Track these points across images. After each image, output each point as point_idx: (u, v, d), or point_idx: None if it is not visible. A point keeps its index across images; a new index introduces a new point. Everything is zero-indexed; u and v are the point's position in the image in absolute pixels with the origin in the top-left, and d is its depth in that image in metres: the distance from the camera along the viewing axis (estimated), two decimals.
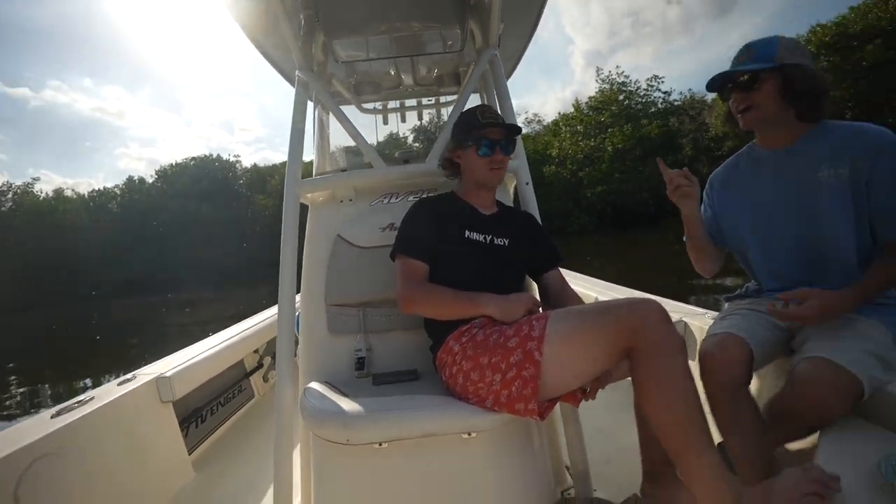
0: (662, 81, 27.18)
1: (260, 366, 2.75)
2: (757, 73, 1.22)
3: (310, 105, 1.79)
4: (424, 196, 1.64)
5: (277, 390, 1.48)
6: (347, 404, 1.15)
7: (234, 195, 35.40)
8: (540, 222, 1.56)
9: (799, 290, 1.14)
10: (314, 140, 2.16)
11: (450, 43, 2.06)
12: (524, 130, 1.63)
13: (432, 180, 1.67)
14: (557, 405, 1.28)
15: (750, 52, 1.26)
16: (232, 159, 37.43)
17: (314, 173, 2.04)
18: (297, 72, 1.73)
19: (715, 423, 1.17)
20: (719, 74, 1.29)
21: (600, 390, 1.21)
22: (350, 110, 2.73)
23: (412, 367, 1.46)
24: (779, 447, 1.19)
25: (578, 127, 27.58)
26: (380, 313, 1.58)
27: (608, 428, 1.87)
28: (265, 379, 2.81)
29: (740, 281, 1.55)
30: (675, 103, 26.99)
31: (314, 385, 1.32)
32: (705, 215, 1.47)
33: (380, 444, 1.09)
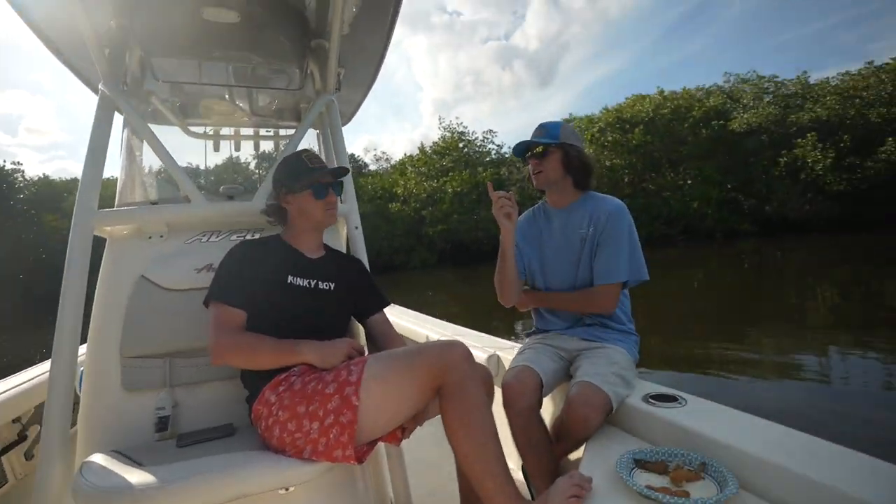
0: (496, 135, 30.96)
1: (21, 439, 2.08)
2: (547, 146, 1.57)
3: (120, 121, 1.56)
4: (248, 237, 1.56)
5: (41, 469, 1.19)
6: (139, 476, 0.98)
7: (8, 212, 27.11)
8: (368, 267, 1.59)
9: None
10: (122, 163, 1.85)
11: (289, 81, 2.02)
12: (373, 167, 1.68)
13: (258, 220, 1.56)
14: (380, 444, 1.31)
15: (543, 129, 1.61)
16: (9, 167, 28.54)
17: (116, 202, 1.75)
18: (100, 84, 1.50)
19: (515, 446, 1.35)
20: (522, 143, 1.62)
21: (426, 423, 1.29)
22: (175, 132, 2.38)
23: (228, 421, 1.33)
24: (563, 459, 1.41)
25: (423, 168, 29.24)
26: (190, 364, 1.40)
27: (432, 460, 1.95)
28: (28, 456, 2.15)
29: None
30: (506, 155, 30.61)
31: (95, 458, 1.09)
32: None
33: None
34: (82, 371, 1.41)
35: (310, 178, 1.37)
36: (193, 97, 2.21)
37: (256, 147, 2.77)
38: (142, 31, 1.56)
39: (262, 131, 2.67)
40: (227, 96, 2.24)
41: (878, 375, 4.50)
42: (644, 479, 1.02)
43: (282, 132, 2.70)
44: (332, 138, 1.85)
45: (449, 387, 1.09)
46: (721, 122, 26.07)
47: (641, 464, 1.08)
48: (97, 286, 1.42)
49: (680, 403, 1.26)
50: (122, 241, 1.49)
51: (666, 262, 16.83)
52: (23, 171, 28.50)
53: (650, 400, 1.29)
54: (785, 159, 23.48)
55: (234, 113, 2.39)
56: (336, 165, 1.72)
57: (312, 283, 1.35)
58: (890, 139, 21.48)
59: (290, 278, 1.32)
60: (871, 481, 0.84)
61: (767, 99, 26.54)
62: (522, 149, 1.63)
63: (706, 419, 1.16)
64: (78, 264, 1.33)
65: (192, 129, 2.42)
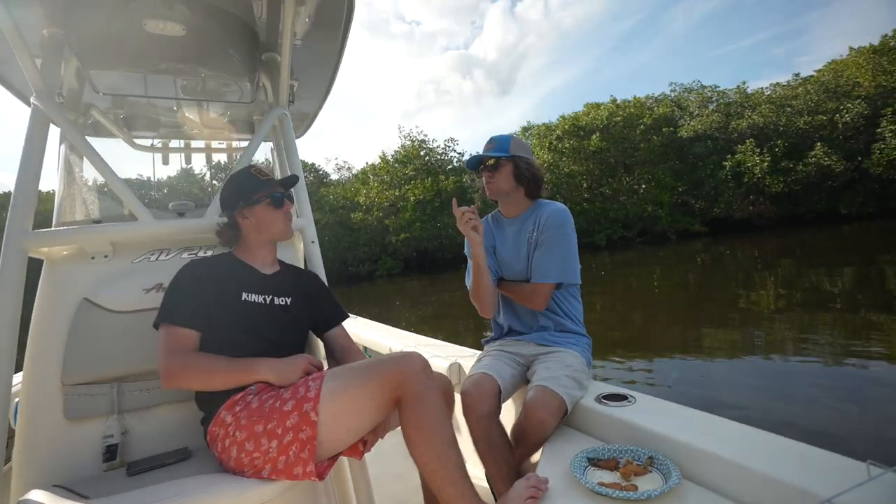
0: (458, 143, 31.23)
1: None
2: (498, 159, 1.63)
3: (56, 134, 1.47)
4: (200, 254, 1.51)
5: None
6: None
7: None
8: (325, 280, 1.58)
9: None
10: (59, 179, 1.75)
11: (241, 94, 1.97)
12: (334, 177, 1.67)
13: (210, 237, 1.51)
14: (344, 459, 1.29)
15: (493, 143, 1.67)
16: None
17: (55, 220, 1.66)
18: (32, 98, 1.41)
19: (476, 451, 1.37)
20: (474, 157, 1.67)
21: (389, 435, 1.29)
22: (120, 146, 2.26)
23: (182, 445, 1.28)
24: (523, 462, 1.44)
25: (385, 177, 29.09)
26: (140, 388, 1.34)
27: (398, 472, 1.95)
28: None
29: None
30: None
31: (34, 495, 1.02)
32: None
33: None
34: (17, 402, 1.32)
35: (268, 189, 1.37)
36: (139, 109, 2.11)
37: (209, 160, 2.68)
38: (78, 41, 1.48)
39: (215, 143, 2.57)
40: (175, 108, 2.16)
41: (817, 356, 4.87)
42: (597, 476, 1.07)
43: (235, 144, 2.61)
44: (285, 151, 1.83)
45: (407, 398, 1.10)
46: (671, 128, 27.53)
47: (594, 462, 1.13)
48: (34, 311, 1.34)
49: (630, 402, 1.32)
50: (61, 263, 1.40)
51: (625, 263, 17.54)
52: None
53: (602, 400, 1.35)
54: (729, 163, 25.04)
55: (184, 125, 2.30)
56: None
57: (268, 299, 1.33)
58: (818, 144, 23.44)
59: (244, 295, 1.30)
60: (802, 466, 0.90)
61: (711, 107, 28.31)
62: (475, 162, 1.68)
63: (654, 415, 1.22)
64: (9, 288, 1.24)
65: (139, 141, 2.31)
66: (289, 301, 1.37)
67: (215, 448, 1.13)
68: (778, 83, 27.98)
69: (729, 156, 25.24)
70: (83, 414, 1.28)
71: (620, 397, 1.35)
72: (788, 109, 25.22)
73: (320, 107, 2.36)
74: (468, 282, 1.64)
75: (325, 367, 1.41)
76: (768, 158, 23.87)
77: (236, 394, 1.15)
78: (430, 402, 1.10)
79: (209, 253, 1.53)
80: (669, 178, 26.70)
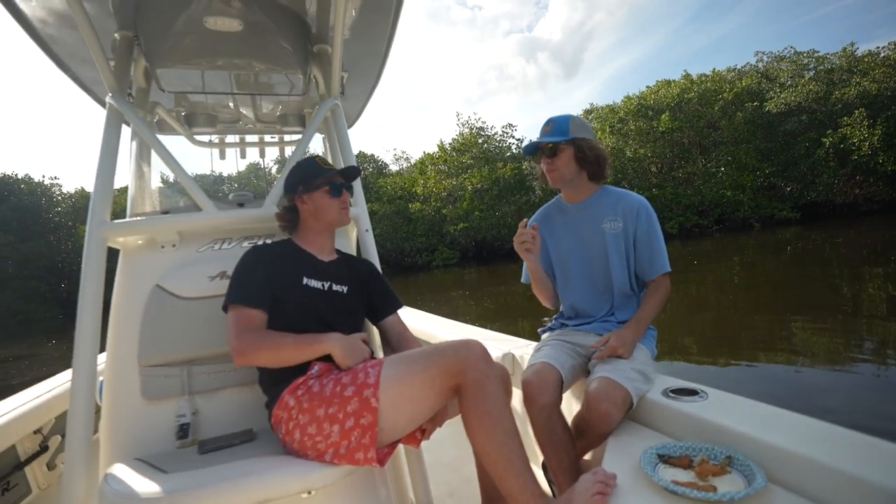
0: (516, 129, 30.71)
1: (42, 450, 2.16)
2: (557, 143, 1.56)
3: (128, 132, 1.61)
4: (260, 242, 1.59)
5: (66, 477, 1.23)
6: (164, 482, 1.02)
7: (47, 225, 28.54)
8: (380, 269, 1.62)
9: (602, 338, 1.48)
10: (131, 173, 1.92)
11: (292, 86, 2.05)
12: (393, 167, 1.71)
13: (269, 226, 1.60)
14: (400, 446, 1.32)
15: (551, 125, 1.60)
16: (48, 182, 30.05)
17: (128, 213, 1.81)
18: (107, 97, 1.55)
19: (536, 442, 1.36)
20: (531, 143, 1.62)
21: (445, 424, 1.30)
22: (181, 142, 2.46)
23: (247, 427, 1.37)
24: (584, 455, 1.40)
25: (442, 166, 29.29)
26: (208, 370, 1.44)
27: (452, 461, 1.97)
28: (50, 466, 2.23)
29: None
30: None
31: (119, 466, 1.14)
32: None
33: None
34: (102, 381, 1.47)
35: (327, 176, 1.42)
36: (198, 106, 2.27)
37: (262, 154, 2.83)
38: (146, 42, 1.61)
39: (267, 137, 2.74)
40: (230, 104, 2.30)
41: None
42: (669, 474, 1.01)
43: (286, 138, 2.76)
44: (338, 142, 1.88)
45: (467, 386, 1.10)
46: (756, 103, 25.10)
47: (665, 459, 1.07)
48: (113, 296, 1.47)
49: (701, 397, 1.24)
50: (135, 252, 1.53)
51: (700, 253, 16.32)
52: (60, 185, 29.88)
53: (670, 394, 1.28)
54: (829, 140, 22.34)
55: (239, 120, 2.45)
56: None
57: (326, 286, 1.38)
58: None
59: (305, 280, 1.35)
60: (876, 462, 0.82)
61: (809, 75, 25.34)
62: (533, 148, 1.63)
63: (729, 412, 1.14)
64: (93, 275, 1.37)
65: (198, 137, 2.49)
66: (346, 289, 1.42)
67: (279, 431, 1.19)
68: None
69: (830, 131, 22.45)
70: (158, 394, 1.39)
71: (690, 392, 1.28)
72: None
73: (370, 96, 2.42)
74: (524, 279, 1.72)
75: (381, 355, 1.45)
76: (879, 131, 20.95)
77: (299, 378, 1.20)
78: (490, 391, 1.09)
79: (268, 241, 1.60)
80: (753, 160, 24.39)
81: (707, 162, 25.87)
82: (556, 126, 1.59)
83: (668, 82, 27.54)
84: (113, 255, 1.51)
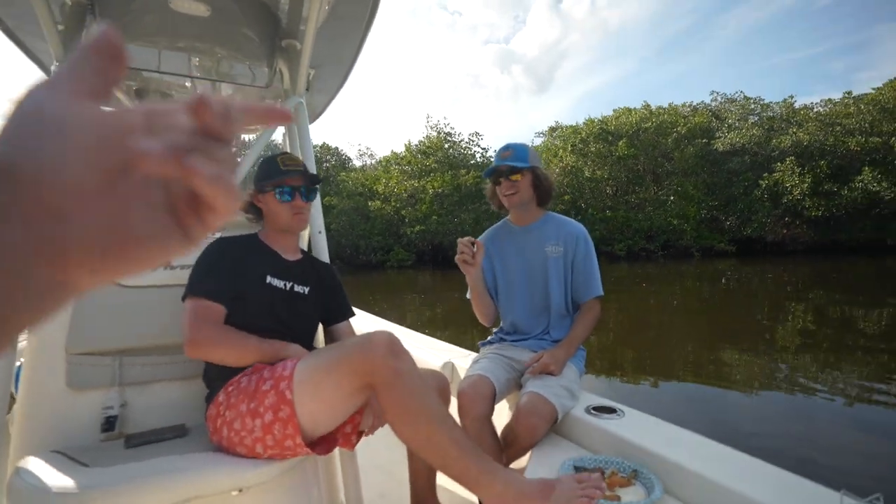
0: (482, 138, 31.08)
1: None
2: (521, 169, 1.68)
3: None
4: (220, 234, 1.55)
5: None
6: (83, 476, 0.96)
7: None
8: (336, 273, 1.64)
9: (536, 355, 1.56)
10: None
11: (256, 79, 2.02)
12: (357, 163, 1.70)
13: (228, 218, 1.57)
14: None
15: (511, 151, 1.71)
16: None
17: None
18: (52, 66, 1.49)
19: None
20: (493, 167, 1.72)
21: (380, 428, 1.31)
22: None
23: (180, 422, 1.33)
24: (510, 464, 1.49)
25: (406, 167, 29.21)
26: (142, 362, 1.39)
27: (385, 464, 2.00)
28: None
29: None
30: (491, 159, 30.79)
31: (34, 458, 1.07)
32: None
33: None
34: (18, 366, 1.38)
35: (278, 179, 1.39)
36: (152, 83, 2.17)
37: None
38: (101, 11, 1.53)
39: None
40: (188, 84, 2.21)
41: (838, 396, 4.76)
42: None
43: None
44: (299, 141, 1.86)
45: (378, 385, 1.07)
46: (705, 140, 26.92)
47: (580, 469, 1.17)
48: None
49: (619, 415, 1.36)
50: None
51: (644, 277, 17.27)
52: None
53: (592, 411, 1.39)
54: (766, 182, 24.38)
55: None
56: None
57: (289, 286, 1.38)
58: (866, 168, 22.53)
59: (268, 278, 1.35)
60: (779, 491, 0.94)
61: (753, 120, 27.50)
62: (493, 171, 1.74)
63: (640, 430, 1.26)
64: None
65: None
66: (307, 290, 1.43)
67: (209, 427, 1.19)
68: (830, 99, 26.79)
69: (766, 174, 24.53)
70: (85, 384, 1.32)
71: (610, 410, 1.40)
72: (839, 128, 24.20)
73: (335, 94, 2.39)
74: (468, 294, 1.78)
75: None
76: (808, 179, 23.13)
77: (236, 375, 1.20)
78: (403, 385, 1.06)
79: (218, 235, 1.56)
80: (699, 192, 26.12)
81: (658, 190, 27.39)
82: (516, 153, 1.70)
83: (629, 110, 28.98)
84: None
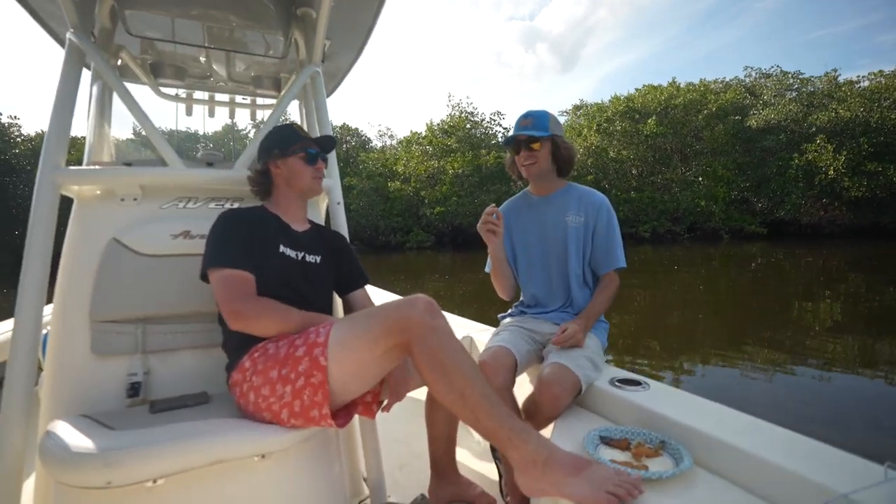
0: (504, 117, 30.53)
1: None
2: (539, 138, 1.63)
3: (87, 78, 1.52)
4: (227, 205, 1.56)
5: (2, 430, 1.19)
6: (110, 438, 0.99)
7: (3, 168, 26.74)
8: (349, 241, 1.62)
9: (560, 327, 1.52)
10: (89, 120, 1.81)
11: (271, 49, 1.98)
12: (377, 143, 1.68)
13: (238, 189, 1.56)
14: (356, 417, 1.34)
15: (530, 119, 1.66)
16: (6, 121, 28.00)
17: (85, 161, 1.71)
18: (67, 33, 1.45)
19: None
20: (512, 136, 1.67)
21: (398, 402, 1.32)
22: (145, 92, 2.30)
23: (202, 389, 1.35)
24: None
25: (428, 147, 29.03)
26: (164, 330, 1.40)
27: (404, 436, 2.02)
28: None
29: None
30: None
31: (63, 421, 1.09)
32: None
33: (154, 482, 0.97)
34: (45, 334, 1.42)
35: (301, 142, 1.40)
36: (166, 55, 2.14)
37: (231, 115, 2.70)
38: None
39: (239, 98, 2.61)
40: (202, 58, 2.17)
41: (873, 377, 4.61)
42: (608, 454, 1.08)
43: (259, 101, 2.64)
44: (316, 111, 1.84)
45: (414, 343, 1.06)
46: (738, 117, 25.80)
47: (606, 441, 1.15)
48: (64, 247, 1.40)
49: (644, 387, 1.33)
50: (92, 202, 1.45)
51: (670, 259, 16.87)
52: (19, 126, 28.01)
53: (616, 383, 1.37)
54: (798, 161, 23.26)
55: (210, 77, 2.33)
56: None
57: (300, 255, 1.38)
58: None
59: (281, 248, 1.35)
60: (818, 463, 0.90)
61: (790, 95, 26.12)
62: (512, 140, 1.69)
63: (666, 402, 1.22)
64: (43, 223, 1.31)
65: (164, 90, 2.35)
66: (318, 259, 1.42)
67: (234, 393, 1.19)
68: (881, 71, 24.84)
69: (796, 154, 23.37)
70: (109, 350, 1.35)
71: (634, 382, 1.37)
72: (886, 103, 22.62)
73: (350, 67, 2.35)
74: (487, 268, 1.76)
75: None
76: (843, 158, 21.92)
77: (260, 342, 1.20)
78: (438, 339, 1.06)
79: (235, 205, 1.57)
80: (730, 172, 25.17)
81: (686, 170, 26.55)
82: (535, 121, 1.65)
83: (656, 87, 27.96)
84: (65, 204, 1.44)
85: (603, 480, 0.92)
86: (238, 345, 1.24)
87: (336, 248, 1.52)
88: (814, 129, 23.72)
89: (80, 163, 1.66)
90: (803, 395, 4.29)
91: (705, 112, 25.87)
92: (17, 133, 27.41)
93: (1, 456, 1.18)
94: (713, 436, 1.03)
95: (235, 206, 1.57)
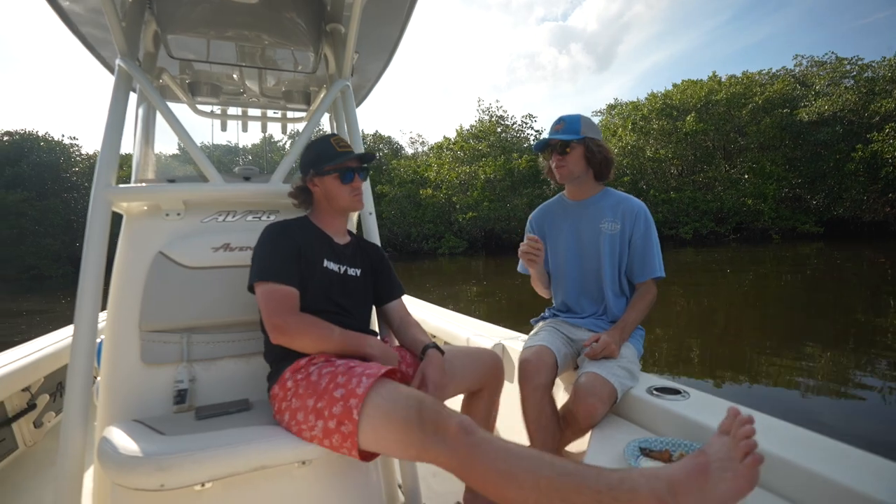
0: (536, 120, 30.29)
1: (30, 408, 2.20)
2: (569, 142, 1.62)
3: (133, 98, 1.63)
4: (264, 218, 1.62)
5: (63, 433, 1.27)
6: (162, 443, 1.06)
7: (64, 184, 28.93)
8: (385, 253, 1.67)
9: (593, 336, 1.51)
10: (136, 140, 1.92)
11: (301, 64, 2.06)
12: (408, 151, 1.71)
13: (274, 201, 1.63)
14: None
15: (562, 123, 1.66)
16: (67, 141, 30.35)
17: (133, 179, 1.82)
18: (117, 60, 1.56)
19: (524, 420, 1.45)
20: (543, 140, 1.68)
21: None
22: (183, 111, 2.46)
23: (243, 397, 1.41)
24: (567, 445, 1.47)
25: (459, 152, 29.14)
26: (207, 339, 1.47)
27: None
28: (37, 424, 2.27)
29: None
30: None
31: (118, 426, 1.18)
32: None
33: (202, 485, 1.03)
34: (100, 343, 1.50)
35: (337, 161, 1.41)
36: (202, 75, 2.27)
37: (264, 128, 2.84)
38: (158, 5, 1.62)
39: (270, 113, 2.74)
40: (235, 76, 2.29)
41: None
42: (650, 465, 1.05)
43: (290, 114, 2.75)
44: (346, 124, 1.89)
45: (457, 469, 0.94)
46: (787, 109, 24.43)
47: (646, 452, 1.12)
48: (116, 261, 1.49)
49: (683, 396, 1.30)
50: (139, 218, 1.53)
51: (714, 262, 16.11)
52: (79, 146, 30.22)
53: (654, 392, 1.33)
54: (860, 153, 21.75)
55: (243, 93, 2.45)
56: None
57: (343, 269, 1.42)
58: None
59: (325, 262, 1.38)
60: (873, 476, 0.86)
61: (847, 84, 24.37)
62: (543, 144, 1.69)
63: (708, 411, 1.19)
64: (97, 238, 1.39)
65: (200, 107, 2.50)
66: (359, 272, 1.46)
67: (272, 405, 1.23)
68: None
69: (860, 145, 21.77)
70: (157, 359, 1.43)
71: (673, 391, 1.33)
72: None
73: (378, 78, 2.42)
74: (520, 268, 1.80)
75: (378, 336, 1.49)
76: None
77: (302, 359, 1.23)
78: (483, 455, 0.91)
79: (272, 217, 1.63)
80: (779, 168, 23.81)
81: (730, 168, 25.41)
82: (567, 125, 1.65)
83: (695, 82, 26.96)
84: (117, 219, 1.54)
85: (726, 452, 0.82)
86: (279, 356, 1.27)
87: (374, 261, 1.55)
88: (877, 118, 22.08)
89: (128, 180, 1.77)
90: (866, 412, 3.98)
91: (750, 106, 24.68)
92: (76, 153, 29.60)
93: (64, 457, 1.25)
94: (759, 446, 0.98)
95: (272, 218, 1.62)
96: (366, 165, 1.50)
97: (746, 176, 24.49)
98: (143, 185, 1.57)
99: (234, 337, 1.49)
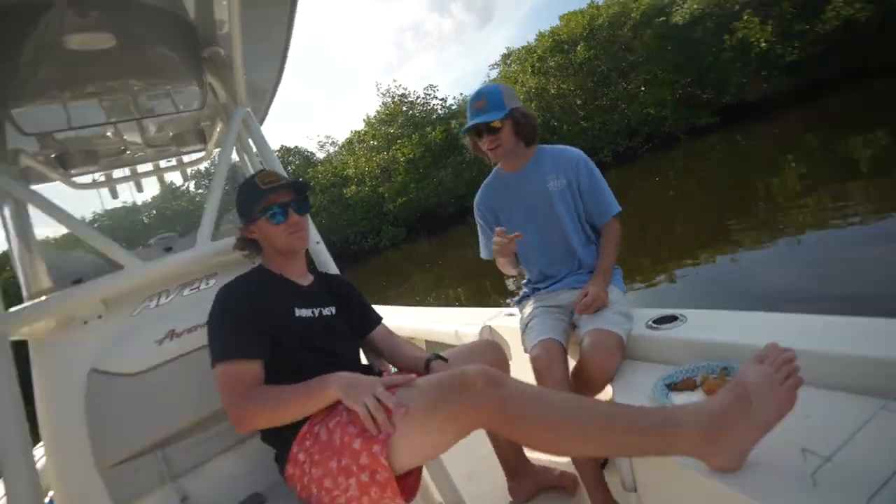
0: (437, 89, 30.09)
1: None
2: (500, 121, 1.58)
3: None
4: (202, 286, 1.44)
5: None
6: None
7: None
8: (337, 271, 1.55)
9: (579, 294, 1.50)
10: (12, 249, 1.56)
11: (183, 103, 1.82)
12: (320, 155, 1.57)
13: (208, 265, 1.44)
14: None
15: (483, 99, 1.60)
16: None
17: (26, 295, 1.48)
18: None
19: None
20: (472, 125, 1.62)
21: None
22: (58, 189, 2.06)
23: (253, 490, 1.23)
24: None
25: (372, 142, 28.49)
26: (187, 446, 1.29)
27: (463, 445, 1.97)
28: None
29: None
30: (453, 108, 30.04)
31: None
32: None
33: None
34: (50, 498, 1.25)
35: (264, 202, 1.26)
36: (71, 143, 1.89)
37: (160, 181, 2.49)
38: None
39: (163, 163, 2.41)
40: (110, 134, 1.97)
41: (857, 224, 4.83)
42: (682, 399, 1.07)
43: (186, 158, 2.44)
44: (260, 152, 1.70)
45: (495, 424, 0.95)
46: (663, 18, 25.98)
47: (672, 386, 1.13)
48: (36, 397, 1.23)
49: (682, 320, 1.33)
50: (50, 338, 1.28)
51: (633, 176, 17.16)
52: None
53: (653, 325, 1.35)
54: (729, 41, 23.62)
55: (126, 151, 2.11)
56: None
57: (316, 312, 1.31)
58: None
59: (296, 311, 1.26)
60: (868, 338, 0.92)
61: None
62: (473, 129, 1.64)
63: (710, 328, 1.23)
64: (4, 384, 1.08)
65: (78, 180, 2.10)
66: (334, 310, 1.36)
67: (294, 487, 1.13)
68: None
69: (727, 36, 23.71)
70: (133, 493, 1.22)
71: (670, 318, 1.35)
72: None
73: (275, 91, 2.18)
74: (484, 254, 1.77)
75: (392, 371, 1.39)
76: (770, 26, 22.34)
77: (303, 426, 1.12)
78: (519, 410, 0.92)
79: (211, 283, 1.46)
80: (669, 73, 25.45)
81: (628, 85, 26.73)
82: (489, 100, 1.59)
83: (577, 13, 27.85)
84: (20, 348, 1.26)
85: (767, 382, 0.83)
86: (279, 433, 1.15)
87: (345, 294, 1.45)
88: (737, 6, 23.96)
89: (18, 298, 1.45)
90: (808, 266, 4.44)
91: (630, 23, 25.93)
92: None
93: None
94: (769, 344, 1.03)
95: (212, 283, 1.46)
96: (304, 196, 1.34)
97: (643, 88, 25.91)
98: (42, 298, 1.28)
99: (217, 430, 1.32)
